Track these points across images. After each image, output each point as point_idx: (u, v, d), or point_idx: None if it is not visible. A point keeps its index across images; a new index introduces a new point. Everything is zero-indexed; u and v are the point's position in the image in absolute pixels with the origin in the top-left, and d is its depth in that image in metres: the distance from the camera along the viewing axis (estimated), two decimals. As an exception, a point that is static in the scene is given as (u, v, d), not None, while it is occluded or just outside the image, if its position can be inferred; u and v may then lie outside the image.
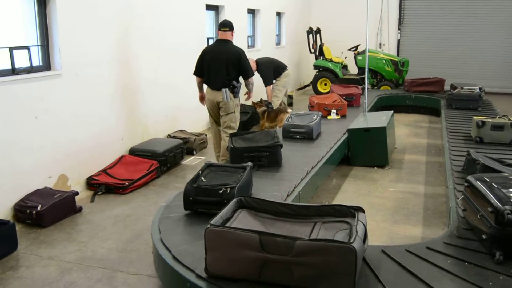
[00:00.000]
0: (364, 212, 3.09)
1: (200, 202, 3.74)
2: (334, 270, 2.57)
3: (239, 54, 6.09)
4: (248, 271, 2.70)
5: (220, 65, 6.05)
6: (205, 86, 6.36)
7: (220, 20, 9.21)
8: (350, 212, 3.10)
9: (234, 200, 3.22)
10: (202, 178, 3.97)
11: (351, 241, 2.59)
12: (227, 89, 6.04)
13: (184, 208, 3.79)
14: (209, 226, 2.75)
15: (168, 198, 4.28)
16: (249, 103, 8.43)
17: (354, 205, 3.14)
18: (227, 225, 2.89)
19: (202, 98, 6.52)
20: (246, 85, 6.35)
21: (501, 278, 2.84)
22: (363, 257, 2.93)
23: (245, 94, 6.90)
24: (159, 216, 3.78)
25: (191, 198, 3.75)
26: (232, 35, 6.26)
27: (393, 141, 7.67)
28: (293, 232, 2.97)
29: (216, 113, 6.31)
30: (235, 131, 6.21)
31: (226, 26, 6.20)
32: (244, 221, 3.04)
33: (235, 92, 6.14)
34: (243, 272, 2.71)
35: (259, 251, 2.65)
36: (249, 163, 4.28)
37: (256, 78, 7.28)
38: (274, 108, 8.74)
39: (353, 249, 2.53)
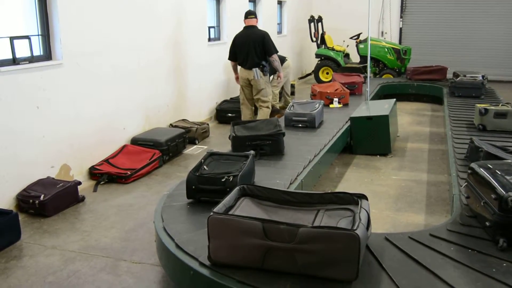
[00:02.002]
0: (367, 199, 3.08)
1: (202, 191, 3.73)
2: (337, 257, 2.56)
3: (263, 35, 7.21)
4: (251, 259, 2.70)
5: (249, 47, 7.18)
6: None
7: (224, 9, 9.26)
8: (353, 200, 3.09)
9: (237, 188, 3.21)
10: (205, 166, 3.96)
11: (355, 228, 2.58)
12: (257, 68, 7.18)
13: (187, 196, 3.79)
14: (212, 214, 2.75)
15: (170, 187, 4.28)
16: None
17: (357, 192, 3.13)
18: (230, 213, 2.88)
19: (237, 79, 7.63)
20: (272, 62, 7.30)
21: (504, 265, 2.83)
22: (366, 245, 2.92)
23: (277, 77, 7.84)
24: (162, 204, 3.78)
25: (193, 187, 3.74)
26: (256, 21, 7.43)
27: (395, 129, 7.65)
28: (296, 220, 2.96)
29: (249, 89, 7.45)
30: (269, 103, 7.52)
31: (252, 14, 7.44)
32: (247, 209, 3.04)
33: (264, 71, 7.28)
34: (246, 260, 2.71)
35: (263, 239, 2.64)
36: (252, 152, 4.26)
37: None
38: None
39: (356, 236, 2.52)
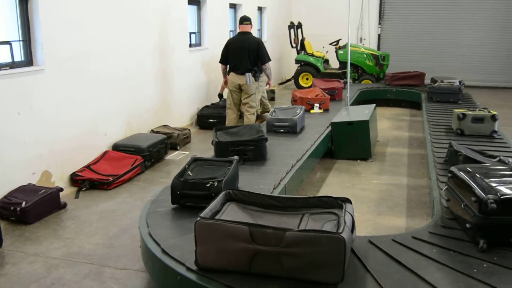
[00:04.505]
0: (351, 203, 3.13)
1: (187, 196, 3.75)
2: (323, 260, 2.60)
3: (258, 43, 7.31)
4: (238, 263, 2.72)
5: (243, 53, 7.23)
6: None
7: (204, 15, 9.29)
8: (337, 204, 3.14)
9: (223, 193, 3.23)
10: (189, 172, 3.98)
11: (340, 231, 2.63)
12: (250, 73, 7.26)
13: (172, 202, 3.80)
14: (199, 219, 2.77)
15: (154, 192, 4.27)
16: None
17: (341, 196, 3.18)
18: (216, 217, 2.90)
19: (226, 83, 7.69)
20: (264, 70, 7.45)
21: (485, 265, 2.90)
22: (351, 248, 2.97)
23: (266, 84, 8.03)
24: (146, 210, 3.78)
25: (178, 192, 3.76)
26: (251, 27, 7.50)
27: (375, 134, 7.75)
28: (282, 224, 2.99)
29: (238, 94, 7.48)
30: (255, 109, 7.61)
31: (247, 20, 7.48)
32: (233, 213, 3.06)
33: (256, 76, 7.37)
34: (233, 264, 2.73)
35: (249, 243, 2.67)
36: (235, 157, 4.29)
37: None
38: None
39: (342, 239, 2.57)
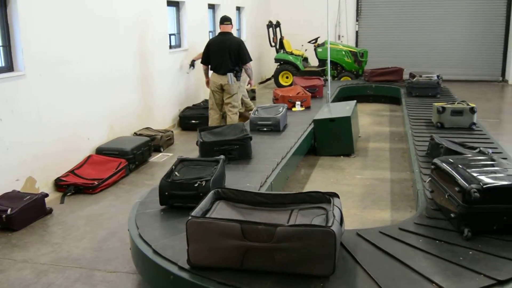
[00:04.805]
0: (339, 197, 3.18)
1: (176, 196, 3.76)
2: (314, 254, 2.65)
3: (239, 44, 7.36)
4: (230, 260, 2.75)
5: (224, 53, 7.25)
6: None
7: (183, 16, 9.30)
8: (325, 198, 3.19)
9: (212, 192, 3.26)
10: (176, 173, 3.99)
11: (330, 224, 2.68)
12: (231, 73, 7.28)
13: (160, 203, 3.81)
14: (190, 218, 2.79)
15: (142, 194, 4.28)
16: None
17: (329, 191, 3.24)
18: (207, 216, 2.93)
19: (207, 83, 7.67)
20: (245, 70, 7.52)
21: (470, 253, 2.98)
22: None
23: (248, 84, 8.17)
24: (135, 212, 3.79)
25: (166, 193, 3.77)
26: (232, 28, 7.53)
27: (357, 130, 7.84)
28: (271, 220, 3.02)
29: (220, 94, 7.49)
30: (238, 109, 7.63)
31: (228, 20, 7.49)
32: (222, 212, 3.09)
33: (237, 76, 7.42)
34: (225, 261, 2.76)
35: (241, 240, 2.71)
36: (222, 156, 4.32)
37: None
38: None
39: (332, 232, 2.62)
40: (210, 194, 3.23)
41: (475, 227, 3.19)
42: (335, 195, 3.19)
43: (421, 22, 15.09)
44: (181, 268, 2.87)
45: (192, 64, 9.40)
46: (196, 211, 2.90)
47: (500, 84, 14.35)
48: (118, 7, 6.98)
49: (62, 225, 4.75)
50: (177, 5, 9.34)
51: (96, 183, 5.65)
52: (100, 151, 6.38)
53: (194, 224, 2.78)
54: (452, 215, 3.35)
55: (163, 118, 8.51)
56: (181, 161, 4.24)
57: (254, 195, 3.31)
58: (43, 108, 5.46)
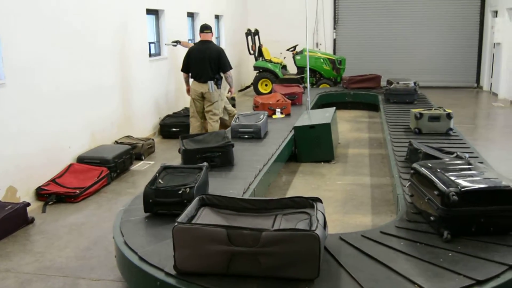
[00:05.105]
0: (322, 202, 3.25)
1: (160, 204, 3.79)
2: (299, 257, 2.70)
3: (219, 52, 7.44)
4: (217, 265, 2.79)
5: (204, 62, 7.32)
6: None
7: (163, 24, 9.33)
8: (308, 203, 3.25)
9: (197, 198, 3.30)
10: (160, 180, 4.01)
11: (314, 228, 2.74)
12: (212, 81, 7.33)
13: (144, 210, 3.84)
14: (176, 224, 2.83)
15: (126, 202, 4.29)
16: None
17: (312, 196, 3.30)
18: (192, 222, 2.97)
19: (188, 91, 7.73)
20: (226, 78, 7.56)
21: (450, 254, 3.07)
22: (323, 245, 3.08)
23: (228, 92, 8.14)
24: (120, 220, 3.80)
25: (151, 200, 3.79)
26: (212, 36, 7.60)
27: (336, 136, 7.94)
28: (256, 226, 3.06)
29: (200, 102, 7.55)
30: (219, 117, 7.67)
31: (208, 28, 7.54)
32: (207, 218, 3.13)
33: (218, 84, 7.46)
34: (212, 267, 2.80)
35: (227, 245, 2.75)
36: (205, 163, 4.36)
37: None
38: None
39: (316, 236, 2.68)
40: (195, 201, 3.26)
41: (454, 229, 3.28)
42: (318, 200, 3.26)
43: (397, 30, 15.38)
44: (167, 274, 2.90)
45: (178, 42, 9.16)
46: (182, 217, 2.94)
47: (475, 90, 14.68)
48: (99, 16, 6.98)
49: (44, 234, 4.73)
50: (156, 13, 9.36)
51: (78, 191, 5.63)
52: (81, 159, 6.36)
53: (180, 230, 2.81)
54: (431, 218, 3.44)
55: (143, 126, 8.51)
56: (165, 168, 4.26)
57: (238, 201, 3.36)
58: (24, 116, 5.43)
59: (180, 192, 3.77)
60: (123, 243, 3.38)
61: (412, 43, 15.32)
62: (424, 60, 15.31)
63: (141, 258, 3.13)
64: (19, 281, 3.82)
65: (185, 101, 9.73)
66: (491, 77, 13.97)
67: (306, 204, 3.25)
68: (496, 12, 13.61)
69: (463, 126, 8.77)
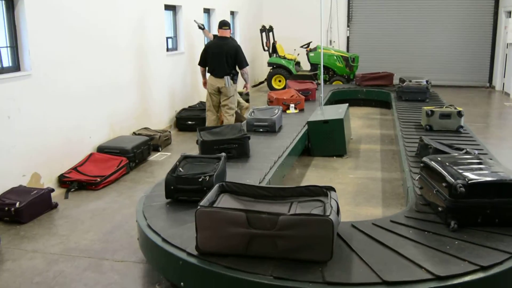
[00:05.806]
0: (335, 191, 3.43)
1: (181, 190, 3.99)
2: (314, 241, 2.89)
3: (236, 48, 7.60)
4: (236, 246, 2.98)
5: (221, 57, 7.46)
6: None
7: (180, 20, 9.51)
8: (322, 192, 3.44)
9: (217, 185, 3.49)
10: (180, 168, 4.22)
11: (328, 214, 2.92)
12: (228, 76, 7.51)
13: (166, 196, 4.04)
14: (199, 207, 3.02)
15: (147, 189, 4.50)
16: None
17: (326, 185, 3.48)
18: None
19: (205, 84, 7.91)
20: (242, 75, 7.77)
21: (456, 243, 3.23)
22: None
23: (243, 87, 8.33)
24: (142, 205, 4.00)
25: (172, 187, 3.99)
26: (230, 32, 7.76)
27: (349, 132, 8.10)
28: (273, 211, 3.26)
29: (216, 96, 7.72)
30: (234, 111, 7.81)
31: (226, 25, 7.70)
32: (227, 203, 3.32)
33: (234, 79, 7.64)
34: (232, 248, 3.00)
35: (246, 228, 2.94)
36: (223, 154, 4.55)
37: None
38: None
39: (330, 221, 2.86)
40: (216, 187, 3.46)
41: (461, 219, 3.44)
42: (331, 188, 3.44)
43: (410, 28, 15.47)
44: (189, 254, 3.10)
45: (203, 27, 9.46)
46: (204, 202, 3.13)
47: (487, 90, 14.73)
48: (119, 13, 7.20)
49: (68, 219, 4.95)
50: (173, 9, 9.56)
51: (98, 179, 5.85)
52: (101, 149, 6.58)
53: (203, 213, 3.00)
54: (439, 208, 3.60)
55: (160, 119, 8.72)
56: (185, 157, 4.47)
57: (256, 188, 3.55)
58: (48, 106, 5.66)
59: (200, 179, 3.96)
60: (147, 226, 3.59)
61: (425, 42, 15.41)
62: (436, 59, 15.39)
63: (164, 240, 3.33)
64: (46, 261, 4.04)
65: (200, 95, 9.95)
66: (504, 77, 14.01)
67: (320, 192, 3.44)
68: (510, 12, 13.66)
69: (475, 125, 8.88)
